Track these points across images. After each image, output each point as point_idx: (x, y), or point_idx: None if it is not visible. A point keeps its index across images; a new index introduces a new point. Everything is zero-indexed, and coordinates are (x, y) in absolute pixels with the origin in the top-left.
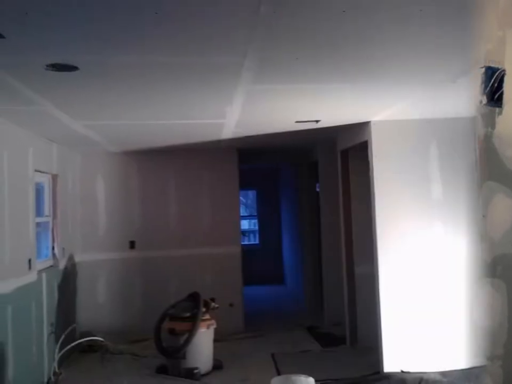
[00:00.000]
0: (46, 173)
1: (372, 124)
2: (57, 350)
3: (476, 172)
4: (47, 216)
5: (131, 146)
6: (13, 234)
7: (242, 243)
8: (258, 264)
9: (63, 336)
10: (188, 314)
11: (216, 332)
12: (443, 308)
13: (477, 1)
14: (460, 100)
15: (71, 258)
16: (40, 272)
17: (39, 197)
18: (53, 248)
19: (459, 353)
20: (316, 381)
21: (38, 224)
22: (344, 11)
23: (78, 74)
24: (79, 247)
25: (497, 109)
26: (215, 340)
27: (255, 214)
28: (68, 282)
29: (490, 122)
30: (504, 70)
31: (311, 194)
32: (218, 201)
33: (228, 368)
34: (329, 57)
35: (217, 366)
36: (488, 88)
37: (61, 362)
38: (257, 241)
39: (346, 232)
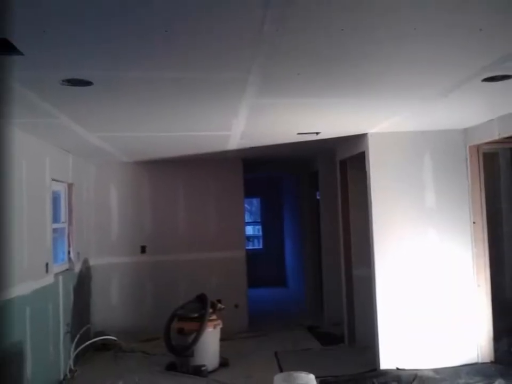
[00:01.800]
0: (62, 181)
1: (369, 135)
2: (72, 349)
3: (467, 180)
4: (63, 222)
5: (142, 157)
6: (31, 239)
7: (247, 248)
8: (262, 267)
9: (78, 336)
10: (195, 315)
11: (222, 331)
12: (436, 309)
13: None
14: (451, 112)
15: (85, 262)
16: (56, 275)
17: (55, 205)
18: (69, 252)
19: (451, 352)
20: (316, 377)
21: (54, 230)
22: (342, 29)
23: (92, 89)
24: (93, 251)
25: None
26: (221, 339)
27: (259, 220)
28: (82, 284)
29: None
30: None
31: (312, 202)
32: (224, 209)
33: (234, 365)
34: (329, 73)
35: (223, 363)
36: None
37: (76, 360)
38: (261, 246)
39: (345, 237)
